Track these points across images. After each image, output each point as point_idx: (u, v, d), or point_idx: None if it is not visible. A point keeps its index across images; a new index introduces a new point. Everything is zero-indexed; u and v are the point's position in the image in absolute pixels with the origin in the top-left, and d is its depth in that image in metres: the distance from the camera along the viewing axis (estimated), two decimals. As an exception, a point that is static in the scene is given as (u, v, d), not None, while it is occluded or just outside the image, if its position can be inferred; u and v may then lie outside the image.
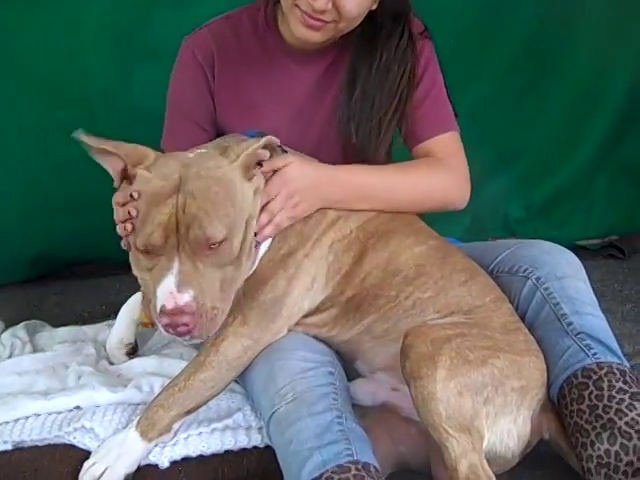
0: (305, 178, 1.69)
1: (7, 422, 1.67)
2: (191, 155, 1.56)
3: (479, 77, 2.87)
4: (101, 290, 2.77)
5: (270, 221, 1.62)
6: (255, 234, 1.59)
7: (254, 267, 1.62)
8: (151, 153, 1.56)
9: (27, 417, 1.68)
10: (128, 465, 1.55)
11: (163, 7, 2.53)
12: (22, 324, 2.22)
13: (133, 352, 1.95)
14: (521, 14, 2.77)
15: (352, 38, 1.88)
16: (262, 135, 1.63)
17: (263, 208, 1.62)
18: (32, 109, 2.54)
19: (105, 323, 2.22)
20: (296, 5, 1.74)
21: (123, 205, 1.52)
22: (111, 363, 1.94)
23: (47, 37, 2.48)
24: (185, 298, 1.40)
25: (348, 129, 1.89)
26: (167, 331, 1.43)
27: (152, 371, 1.84)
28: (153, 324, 1.78)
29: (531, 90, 2.89)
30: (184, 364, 1.75)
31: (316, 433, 1.46)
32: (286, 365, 1.57)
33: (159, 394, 1.61)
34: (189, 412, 1.60)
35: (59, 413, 1.69)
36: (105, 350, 1.97)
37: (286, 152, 1.70)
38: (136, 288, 2.01)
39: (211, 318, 1.44)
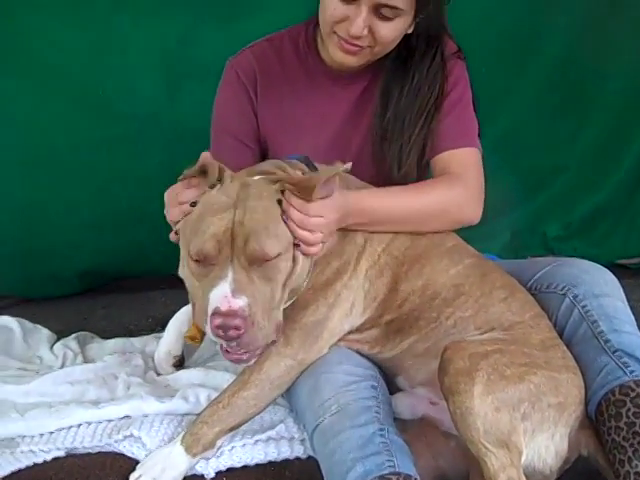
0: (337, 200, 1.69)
1: (60, 429, 1.74)
2: (250, 179, 1.61)
3: (517, 95, 2.88)
4: (147, 304, 2.83)
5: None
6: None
7: (294, 297, 1.65)
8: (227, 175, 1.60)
9: (79, 425, 1.75)
10: (172, 478, 1.60)
11: (209, 25, 2.59)
12: (73, 336, 2.30)
13: (180, 364, 2.01)
14: (560, 29, 2.77)
15: (387, 60, 1.93)
16: (305, 160, 1.71)
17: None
18: (81, 126, 2.60)
19: (152, 335, 2.30)
20: (334, 32, 1.81)
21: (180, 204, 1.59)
22: (158, 374, 2.00)
23: (97, 56, 2.55)
24: (239, 302, 1.45)
25: (382, 149, 1.95)
26: (217, 334, 1.46)
27: (198, 382, 1.90)
28: (197, 338, 1.84)
29: (571, 108, 2.87)
30: (229, 376, 1.82)
31: (359, 444, 1.49)
32: (331, 378, 1.61)
33: (204, 410, 1.66)
34: (232, 429, 1.65)
35: (109, 421, 1.76)
36: (153, 362, 2.03)
37: (316, 169, 1.73)
38: (183, 302, 2.08)
39: (260, 328, 1.48)
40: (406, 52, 1.92)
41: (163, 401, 1.79)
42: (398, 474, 1.45)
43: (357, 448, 1.49)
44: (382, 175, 1.95)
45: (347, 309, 1.71)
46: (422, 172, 1.98)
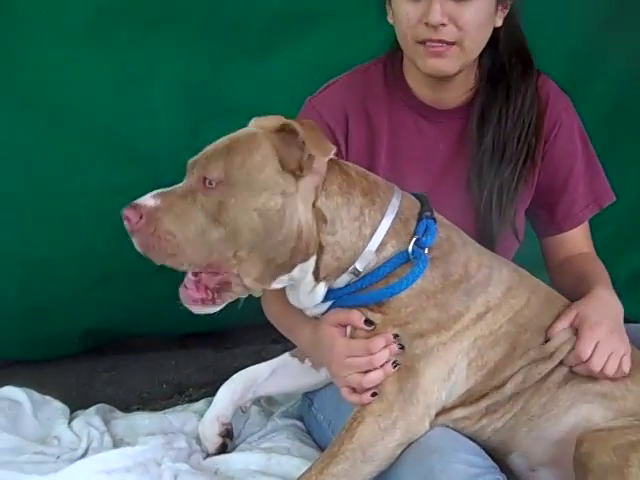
0: (599, 310, 1.59)
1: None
2: None
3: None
4: (157, 367, 2.54)
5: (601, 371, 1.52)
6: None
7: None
8: None
9: (126, 523, 1.48)
10: None
11: (237, 62, 2.38)
12: (93, 409, 2.02)
13: (227, 435, 1.78)
14: (608, 69, 2.66)
15: (481, 84, 1.80)
16: (421, 197, 1.57)
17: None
18: (95, 170, 2.33)
19: (190, 410, 2.02)
20: (417, 42, 1.67)
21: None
22: (206, 456, 1.76)
23: (116, 92, 2.29)
24: (146, 201, 1.41)
25: (476, 187, 1.79)
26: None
27: (258, 469, 1.64)
28: None
29: (616, 157, 2.75)
30: (296, 461, 1.60)
31: None
32: (449, 469, 1.38)
33: None
34: None
35: (159, 520, 1.49)
36: (196, 443, 1.78)
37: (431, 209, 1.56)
38: (195, 365, 2.06)
39: (161, 238, 1.40)
40: (500, 71, 1.78)
41: (222, 494, 1.53)
42: None
43: None
44: (480, 224, 1.79)
45: (444, 373, 1.49)
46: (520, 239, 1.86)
